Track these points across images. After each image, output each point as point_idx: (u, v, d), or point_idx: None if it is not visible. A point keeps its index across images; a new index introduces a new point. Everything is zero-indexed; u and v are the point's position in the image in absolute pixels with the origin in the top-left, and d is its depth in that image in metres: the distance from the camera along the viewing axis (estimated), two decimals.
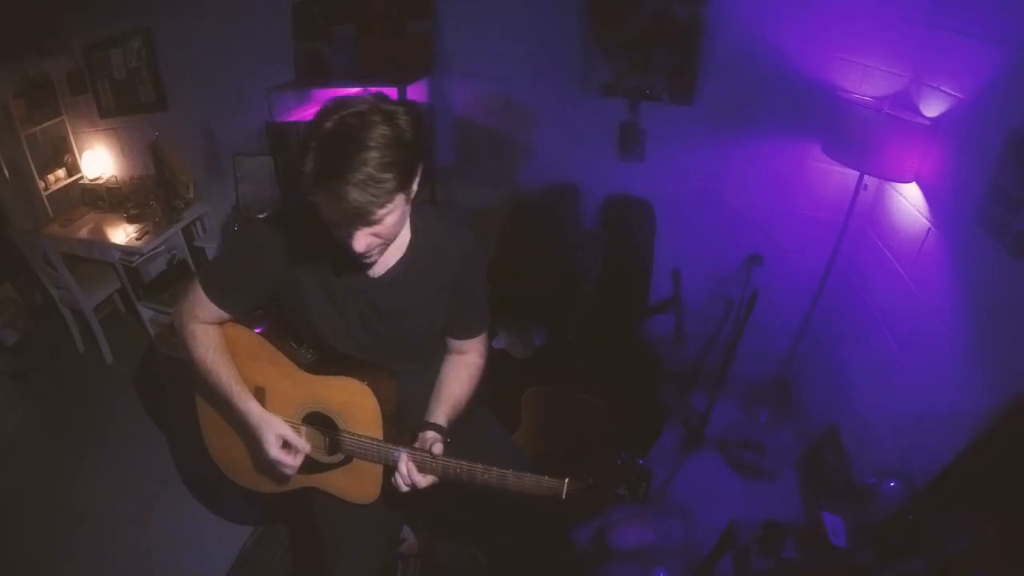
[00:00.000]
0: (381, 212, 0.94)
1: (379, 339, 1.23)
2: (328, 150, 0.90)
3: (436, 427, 1.21)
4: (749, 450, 2.34)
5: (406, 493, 1.18)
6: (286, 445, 1.19)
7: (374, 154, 0.89)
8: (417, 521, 1.95)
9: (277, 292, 1.19)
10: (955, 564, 1.19)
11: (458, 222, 1.24)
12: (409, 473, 1.15)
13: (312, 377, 1.22)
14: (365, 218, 0.94)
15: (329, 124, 0.90)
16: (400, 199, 0.97)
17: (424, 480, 1.16)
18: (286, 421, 1.23)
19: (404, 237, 1.16)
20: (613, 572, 1.94)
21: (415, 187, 1.01)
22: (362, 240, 0.98)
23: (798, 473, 2.27)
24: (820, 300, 2.22)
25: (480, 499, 1.37)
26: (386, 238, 1.02)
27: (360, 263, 1.07)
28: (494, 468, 1.15)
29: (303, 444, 1.20)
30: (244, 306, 1.23)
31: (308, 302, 1.18)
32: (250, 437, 1.22)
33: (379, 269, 1.15)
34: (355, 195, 0.90)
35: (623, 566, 1.94)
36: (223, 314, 1.21)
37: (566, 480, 1.14)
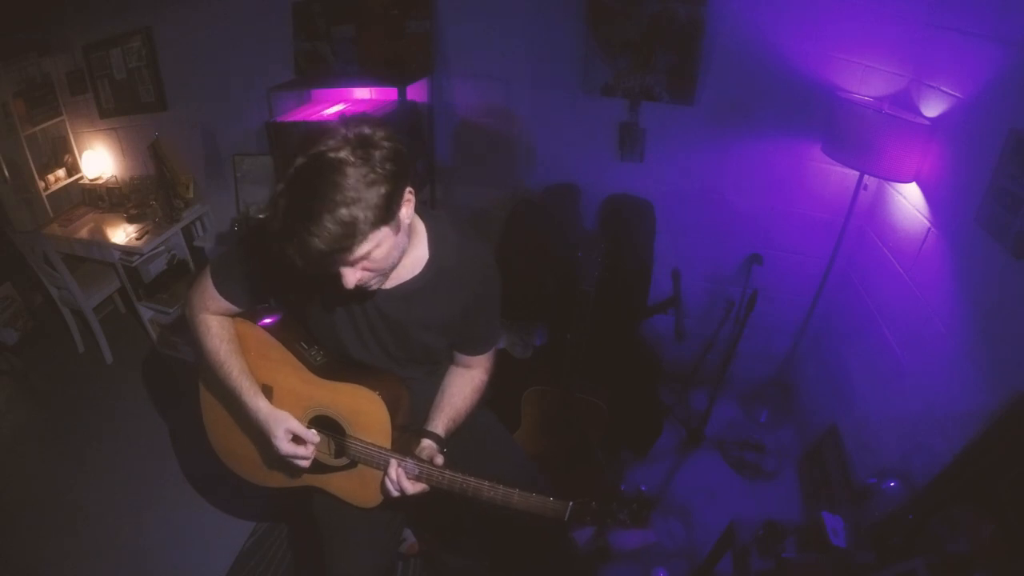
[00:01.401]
0: (356, 252, 0.91)
1: (386, 347, 1.22)
2: (293, 196, 0.86)
3: (434, 437, 1.22)
4: (749, 450, 2.34)
5: (396, 498, 1.18)
6: (296, 439, 1.20)
7: (339, 198, 0.85)
8: (418, 522, 1.95)
9: (287, 291, 1.19)
10: (955, 564, 1.19)
11: (475, 239, 1.20)
12: (398, 479, 1.15)
13: (322, 381, 1.22)
14: (335, 262, 0.91)
15: (295, 168, 0.87)
16: (382, 233, 0.93)
17: (413, 487, 1.16)
18: None
19: (421, 254, 1.13)
20: (613, 572, 1.94)
21: (403, 216, 0.97)
22: (351, 276, 0.95)
23: (798, 473, 2.27)
24: (820, 300, 2.22)
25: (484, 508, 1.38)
26: (380, 270, 0.99)
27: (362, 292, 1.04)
28: (500, 486, 1.15)
29: (312, 435, 1.20)
30: (253, 301, 1.22)
31: (318, 303, 1.17)
32: (258, 433, 1.21)
33: (391, 282, 1.12)
34: (317, 243, 0.86)
35: (623, 566, 1.95)
36: (232, 307, 1.21)
37: (570, 504, 1.15)
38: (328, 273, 0.96)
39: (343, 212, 0.86)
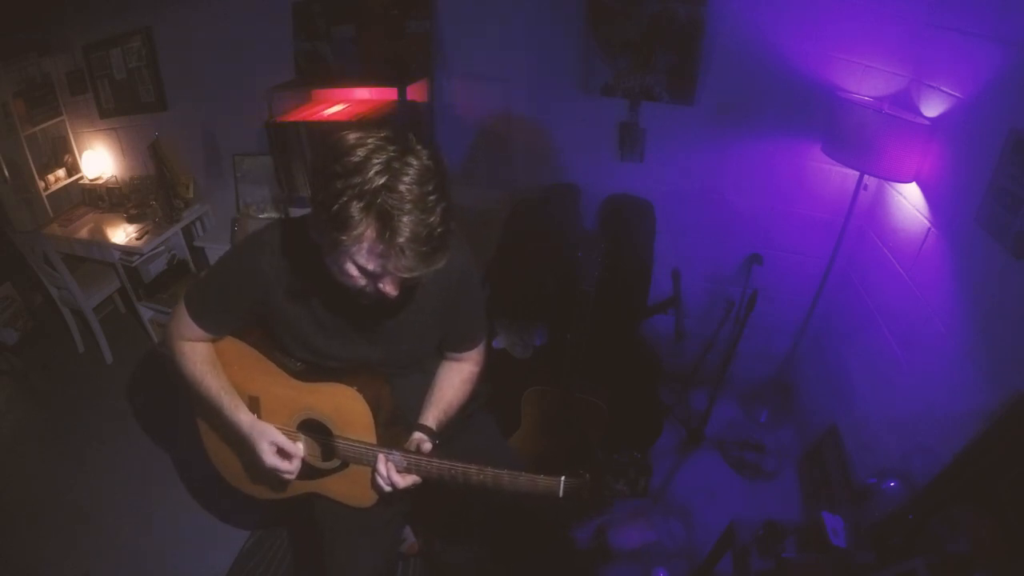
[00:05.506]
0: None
1: (367, 360, 1.22)
2: (391, 210, 0.84)
3: (425, 429, 1.22)
4: (749, 450, 2.34)
5: (389, 493, 1.18)
6: (281, 451, 1.19)
7: (436, 216, 0.86)
8: (417, 521, 1.95)
9: (262, 314, 1.18)
10: (955, 564, 1.19)
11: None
12: (388, 473, 1.15)
13: (303, 384, 1.22)
14: (414, 278, 0.92)
15: (381, 178, 0.83)
16: None
17: (404, 480, 1.16)
18: (280, 428, 1.23)
19: None
20: (613, 572, 1.94)
21: None
22: (394, 286, 0.96)
23: (798, 473, 2.27)
24: (820, 300, 2.22)
25: (480, 499, 1.38)
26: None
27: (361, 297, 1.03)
28: (488, 468, 1.14)
29: (296, 448, 1.21)
30: (229, 328, 1.23)
31: (293, 325, 1.17)
32: (244, 447, 1.22)
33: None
34: (421, 267, 0.88)
35: (623, 566, 1.94)
36: (209, 335, 1.21)
37: (562, 478, 1.13)
38: (356, 284, 0.95)
39: (439, 237, 0.88)
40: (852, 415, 2.05)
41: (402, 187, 0.84)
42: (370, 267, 0.90)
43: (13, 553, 2.08)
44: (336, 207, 0.84)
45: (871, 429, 1.91)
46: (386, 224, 0.84)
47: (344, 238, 0.86)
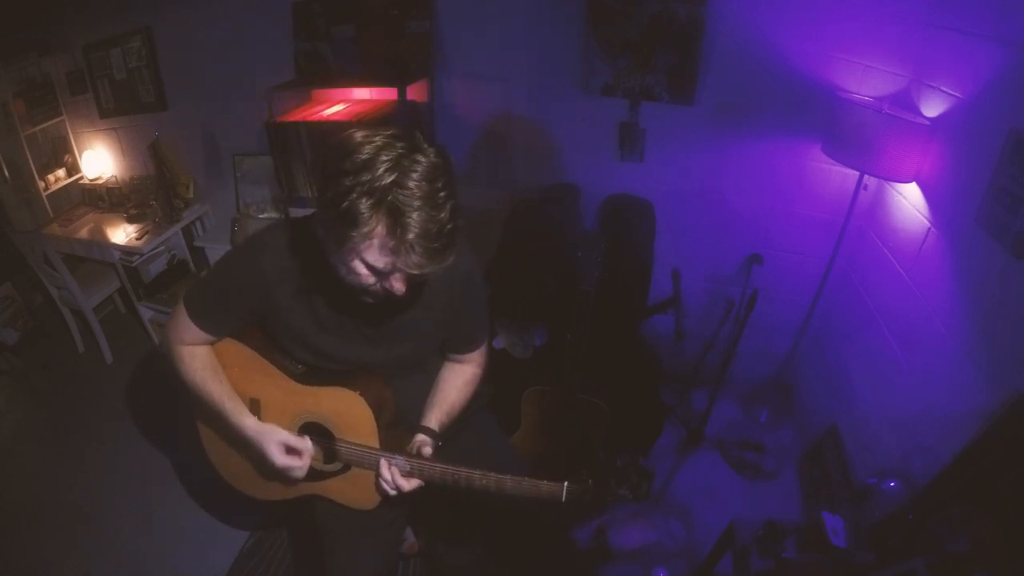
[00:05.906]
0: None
1: (369, 361, 1.22)
2: (401, 207, 0.84)
3: (428, 431, 1.22)
4: (749, 450, 2.34)
5: (394, 496, 1.18)
6: (290, 449, 1.19)
7: (446, 212, 0.86)
8: (419, 522, 1.95)
9: (263, 315, 1.17)
10: (955, 564, 1.19)
11: None
12: (393, 477, 1.15)
13: (304, 388, 1.22)
14: (423, 275, 0.92)
15: (391, 175, 0.83)
16: None
17: (408, 484, 1.16)
18: None
19: None
20: (613, 572, 1.94)
21: None
22: (402, 283, 0.95)
23: (798, 473, 2.27)
24: (820, 300, 2.22)
25: (481, 500, 1.38)
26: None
27: (364, 297, 1.03)
28: (492, 474, 1.14)
29: (304, 444, 1.20)
30: (229, 329, 1.22)
31: (294, 326, 1.16)
32: (251, 450, 1.21)
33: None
34: (431, 264, 0.88)
35: (623, 566, 1.94)
36: (209, 337, 1.20)
37: (565, 484, 1.13)
38: (360, 283, 0.95)
39: (449, 235, 0.88)
40: (852, 415, 2.05)
41: (411, 184, 0.84)
42: (379, 264, 0.90)
43: (13, 553, 2.08)
44: (345, 204, 0.84)
45: (871, 429, 1.91)
46: (396, 220, 0.84)
47: (354, 235, 0.86)
